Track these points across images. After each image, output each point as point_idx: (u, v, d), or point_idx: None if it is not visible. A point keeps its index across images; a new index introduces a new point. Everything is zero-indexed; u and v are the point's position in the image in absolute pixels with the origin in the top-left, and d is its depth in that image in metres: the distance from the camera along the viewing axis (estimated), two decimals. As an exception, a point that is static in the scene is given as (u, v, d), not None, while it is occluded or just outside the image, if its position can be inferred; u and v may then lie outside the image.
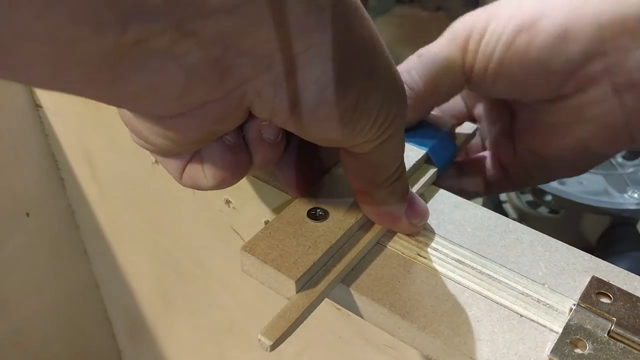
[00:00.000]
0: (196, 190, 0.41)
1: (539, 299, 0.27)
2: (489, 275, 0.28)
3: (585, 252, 0.29)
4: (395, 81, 0.24)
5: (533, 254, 0.29)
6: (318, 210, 0.29)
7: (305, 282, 0.27)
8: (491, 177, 0.41)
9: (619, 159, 0.82)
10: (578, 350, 0.25)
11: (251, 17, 0.19)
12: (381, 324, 0.28)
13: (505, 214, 0.92)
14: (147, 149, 0.25)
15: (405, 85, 0.30)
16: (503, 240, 0.30)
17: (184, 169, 0.26)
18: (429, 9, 1.96)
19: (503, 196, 0.97)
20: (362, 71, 0.22)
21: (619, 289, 0.27)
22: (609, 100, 0.33)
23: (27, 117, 0.50)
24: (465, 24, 0.35)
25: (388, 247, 0.30)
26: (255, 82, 0.20)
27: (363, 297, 0.27)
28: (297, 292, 0.26)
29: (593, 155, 0.36)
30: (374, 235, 0.29)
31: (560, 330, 0.26)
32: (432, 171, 0.33)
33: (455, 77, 0.35)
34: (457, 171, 0.40)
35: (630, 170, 0.80)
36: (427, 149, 0.33)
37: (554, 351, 0.25)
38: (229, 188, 0.36)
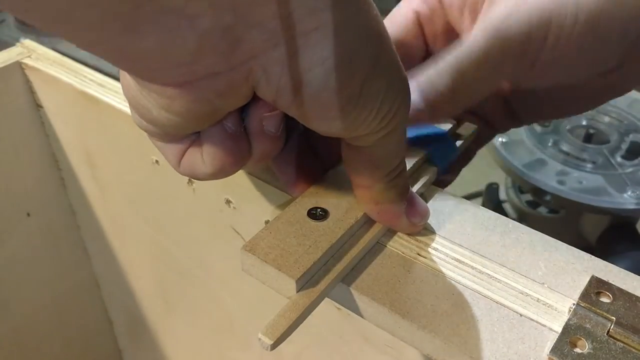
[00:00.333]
0: (196, 190, 0.41)
1: (538, 299, 0.27)
2: (489, 274, 0.28)
3: (584, 252, 0.29)
4: (399, 72, 0.24)
5: (533, 254, 0.29)
6: (318, 209, 0.29)
7: (305, 282, 0.27)
8: (491, 114, 0.39)
9: (618, 159, 0.82)
10: (577, 350, 0.25)
11: None
12: (381, 324, 0.28)
13: (505, 214, 0.92)
14: (149, 132, 0.25)
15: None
16: (503, 240, 0.30)
17: (182, 155, 0.26)
18: (428, 9, 1.96)
19: (503, 196, 0.97)
20: (368, 57, 0.22)
21: (619, 289, 0.27)
22: None
23: (27, 117, 0.50)
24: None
25: (388, 246, 0.30)
26: (262, 59, 0.21)
27: (363, 297, 0.27)
28: (298, 292, 0.26)
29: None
30: (374, 235, 0.29)
31: (559, 329, 0.26)
32: (432, 171, 0.33)
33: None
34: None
35: (630, 170, 0.80)
36: (427, 149, 0.34)
37: (554, 350, 0.25)
38: (229, 188, 0.36)
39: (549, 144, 0.84)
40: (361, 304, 0.28)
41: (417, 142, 0.34)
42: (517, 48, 0.30)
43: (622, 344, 0.25)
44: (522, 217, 0.91)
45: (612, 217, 0.81)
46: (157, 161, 0.43)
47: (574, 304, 0.27)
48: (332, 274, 0.27)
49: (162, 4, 0.18)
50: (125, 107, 0.42)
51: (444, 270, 0.29)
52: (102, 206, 0.54)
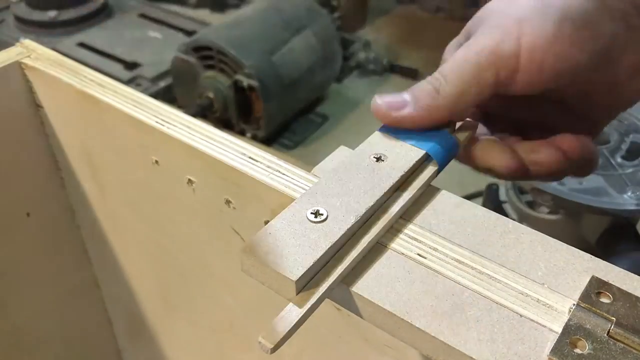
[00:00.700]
0: (196, 190, 0.41)
1: (538, 299, 0.27)
2: (489, 275, 0.28)
3: (585, 252, 0.29)
4: None
5: (533, 254, 0.29)
6: (318, 210, 0.29)
7: (305, 283, 0.27)
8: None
9: (618, 159, 0.82)
10: (578, 350, 0.25)
11: None
12: (381, 324, 0.28)
13: (505, 214, 0.92)
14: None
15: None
16: (503, 240, 0.30)
17: None
18: (429, 10, 1.96)
19: (503, 196, 0.97)
20: None
21: (619, 289, 0.27)
22: None
23: (27, 117, 0.50)
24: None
25: (388, 247, 0.30)
26: None
27: (363, 297, 0.27)
28: (298, 293, 0.26)
29: None
30: (374, 236, 0.29)
31: (560, 330, 0.26)
32: (432, 171, 0.33)
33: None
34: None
35: (630, 170, 0.80)
36: (427, 148, 0.34)
37: (554, 351, 0.25)
38: (229, 188, 0.36)
39: (549, 144, 0.84)
40: (361, 304, 0.28)
41: (417, 142, 0.34)
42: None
43: (622, 345, 0.25)
44: (522, 218, 0.91)
45: (612, 217, 0.81)
46: (157, 161, 0.43)
47: (574, 305, 0.27)
48: (333, 275, 0.27)
49: None
50: (125, 107, 0.42)
51: (443, 270, 0.29)
52: (102, 206, 0.54)
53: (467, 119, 0.38)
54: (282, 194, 0.34)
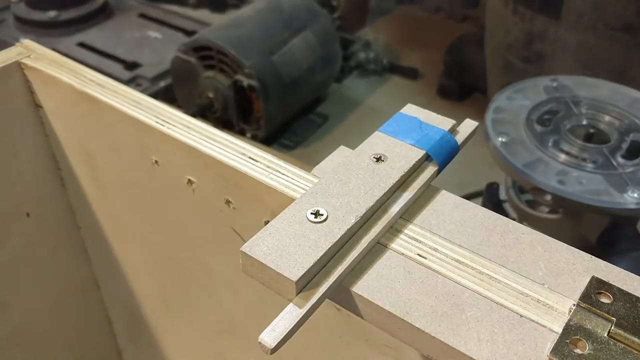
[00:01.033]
0: (196, 190, 0.41)
1: (538, 299, 0.27)
2: (489, 275, 0.28)
3: (585, 252, 0.29)
4: None
5: (533, 254, 0.29)
6: (318, 210, 0.29)
7: (305, 283, 0.27)
8: None
9: (618, 158, 0.82)
10: (578, 351, 0.25)
11: None
12: (381, 324, 0.28)
13: (505, 214, 0.92)
14: None
15: None
16: (503, 241, 0.30)
17: None
18: (429, 10, 1.96)
19: (503, 196, 0.97)
20: None
21: (619, 289, 0.27)
22: None
23: (27, 117, 0.50)
24: None
25: (388, 247, 0.30)
26: None
27: (363, 297, 0.27)
28: (298, 293, 0.26)
29: None
30: (374, 236, 0.29)
31: (560, 330, 0.26)
32: (432, 171, 0.33)
33: None
34: None
35: (630, 169, 0.80)
36: (427, 148, 0.33)
37: (554, 351, 0.25)
38: (229, 188, 0.36)
39: (549, 144, 0.84)
40: (361, 304, 0.28)
41: (418, 142, 0.34)
42: None
43: (622, 345, 0.25)
44: (523, 217, 0.91)
45: (612, 217, 0.81)
46: (156, 161, 0.43)
47: (574, 305, 0.27)
48: (333, 275, 0.27)
49: None
50: (125, 107, 0.42)
51: (444, 270, 0.29)
52: (102, 206, 0.54)
53: (467, 119, 0.38)
54: (282, 194, 0.34)
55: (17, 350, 0.60)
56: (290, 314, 0.26)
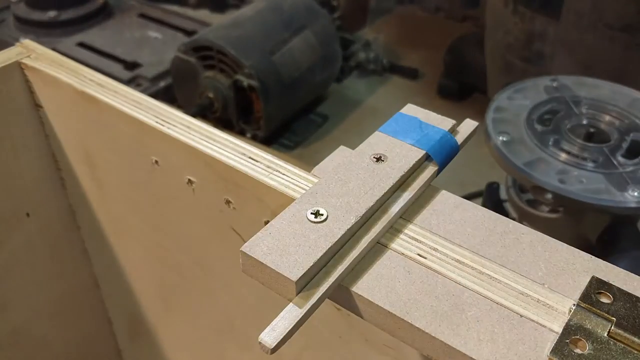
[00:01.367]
0: (196, 190, 0.41)
1: (538, 299, 0.27)
2: (489, 275, 0.28)
3: (585, 252, 0.29)
4: None
5: (533, 254, 0.29)
6: (318, 210, 0.29)
7: (305, 283, 0.27)
8: None
9: (619, 157, 0.82)
10: (578, 350, 0.25)
11: None
12: (381, 324, 0.28)
13: (505, 213, 0.92)
14: None
15: None
16: (503, 241, 0.30)
17: None
18: (429, 10, 1.96)
19: (503, 195, 0.97)
20: None
21: (619, 289, 0.27)
22: None
23: (27, 117, 0.50)
24: None
25: (388, 247, 0.30)
26: None
27: (363, 297, 0.27)
28: (298, 293, 0.26)
29: None
30: (374, 236, 0.29)
31: (560, 330, 0.26)
32: (432, 171, 0.33)
33: None
34: None
35: (631, 168, 0.80)
36: (427, 148, 0.33)
37: (554, 351, 0.25)
38: (229, 188, 0.36)
39: (550, 143, 0.84)
40: (361, 304, 0.28)
41: (418, 142, 0.34)
42: None
43: (622, 345, 0.25)
44: (523, 217, 0.91)
45: (612, 216, 0.81)
46: (156, 161, 0.43)
47: (574, 305, 0.27)
48: (333, 275, 0.27)
49: None
50: (125, 107, 0.42)
51: (444, 270, 0.29)
52: (102, 206, 0.54)
53: (467, 118, 0.38)
54: (282, 194, 0.34)
55: (17, 350, 0.60)
56: (290, 314, 0.26)
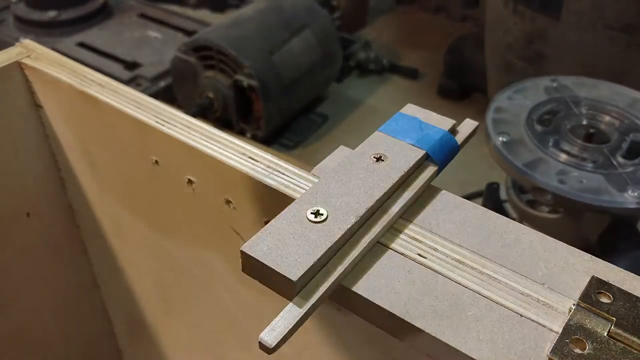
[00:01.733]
0: (196, 190, 0.41)
1: (538, 299, 0.27)
2: (489, 275, 0.28)
3: (585, 252, 0.29)
4: None
5: (533, 254, 0.29)
6: (318, 210, 0.29)
7: (305, 282, 0.27)
8: None
9: (619, 158, 0.82)
10: (578, 350, 0.25)
11: None
12: (381, 324, 0.28)
13: (505, 213, 0.92)
14: None
15: None
16: (503, 240, 0.30)
17: None
18: (429, 10, 1.96)
19: (503, 196, 0.97)
20: None
21: (619, 289, 0.27)
22: None
23: (27, 117, 0.50)
24: None
25: (388, 247, 0.30)
26: None
27: (363, 297, 0.27)
28: (298, 293, 0.26)
29: None
30: (374, 236, 0.29)
31: (560, 330, 0.26)
32: (432, 171, 0.33)
33: None
34: None
35: (630, 169, 0.80)
36: (427, 148, 0.33)
37: (554, 351, 0.25)
38: (229, 188, 0.36)
39: (550, 144, 0.84)
40: (361, 304, 0.28)
41: (418, 142, 0.34)
42: None
43: (622, 345, 0.25)
44: (523, 217, 0.91)
45: (612, 216, 0.81)
46: (156, 161, 0.43)
47: (574, 305, 0.27)
48: (333, 275, 0.27)
49: None
50: (125, 107, 0.42)
51: (444, 270, 0.29)
52: (102, 206, 0.54)
53: (467, 118, 0.38)
54: (282, 194, 0.34)
55: (17, 350, 0.60)
56: (290, 314, 0.26)
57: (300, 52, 1.38)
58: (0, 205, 0.52)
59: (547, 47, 1.19)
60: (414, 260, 0.29)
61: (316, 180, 0.34)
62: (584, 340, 0.25)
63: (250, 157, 0.37)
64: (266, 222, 0.35)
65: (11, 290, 0.56)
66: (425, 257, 0.29)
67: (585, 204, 0.76)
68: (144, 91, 1.27)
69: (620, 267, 0.28)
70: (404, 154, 0.33)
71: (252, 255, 0.27)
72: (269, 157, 0.37)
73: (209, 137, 0.39)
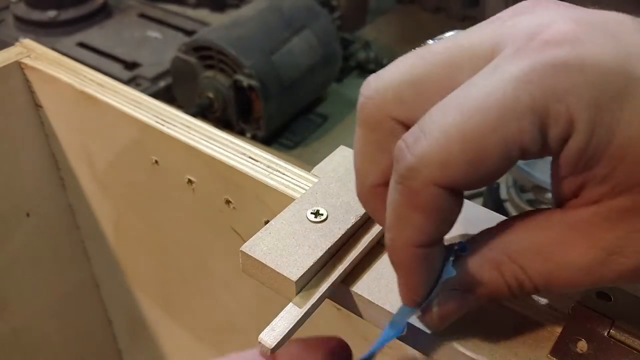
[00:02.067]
0: (196, 190, 0.41)
1: (538, 299, 0.27)
2: (489, 275, 0.28)
3: (585, 252, 0.29)
4: None
5: (533, 254, 0.29)
6: (318, 210, 0.29)
7: (305, 282, 0.27)
8: None
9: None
10: (578, 350, 0.25)
11: None
12: (381, 324, 0.28)
13: (506, 213, 0.92)
14: None
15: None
16: (503, 240, 0.30)
17: None
18: (429, 10, 1.96)
19: (504, 195, 0.97)
20: None
21: (619, 289, 0.27)
22: None
23: (26, 117, 0.50)
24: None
25: (388, 247, 0.30)
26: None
27: (363, 297, 0.27)
28: (298, 293, 0.26)
29: None
30: (374, 236, 0.29)
31: (560, 330, 0.26)
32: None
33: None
34: None
35: (630, 169, 0.80)
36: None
37: (554, 351, 0.25)
38: (229, 188, 0.36)
39: (550, 144, 0.84)
40: (361, 304, 0.28)
41: None
42: None
43: (622, 345, 0.25)
44: (523, 217, 0.90)
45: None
46: (156, 161, 0.43)
47: (574, 305, 0.27)
48: (333, 275, 0.27)
49: None
50: (125, 107, 0.42)
51: (444, 270, 0.28)
52: (102, 206, 0.54)
53: None
54: (282, 194, 0.34)
55: (17, 350, 0.60)
56: (290, 314, 0.26)
57: (301, 52, 1.38)
58: (0, 205, 0.52)
59: (547, 47, 1.19)
60: (414, 260, 0.29)
61: (316, 180, 0.34)
62: (584, 341, 0.25)
63: (250, 157, 0.37)
64: (266, 222, 0.35)
65: (11, 290, 0.56)
66: (425, 257, 0.29)
67: (586, 203, 0.75)
68: (143, 91, 1.27)
69: (620, 267, 0.28)
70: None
71: (252, 255, 0.27)
72: (269, 156, 0.37)
73: (209, 137, 0.39)
